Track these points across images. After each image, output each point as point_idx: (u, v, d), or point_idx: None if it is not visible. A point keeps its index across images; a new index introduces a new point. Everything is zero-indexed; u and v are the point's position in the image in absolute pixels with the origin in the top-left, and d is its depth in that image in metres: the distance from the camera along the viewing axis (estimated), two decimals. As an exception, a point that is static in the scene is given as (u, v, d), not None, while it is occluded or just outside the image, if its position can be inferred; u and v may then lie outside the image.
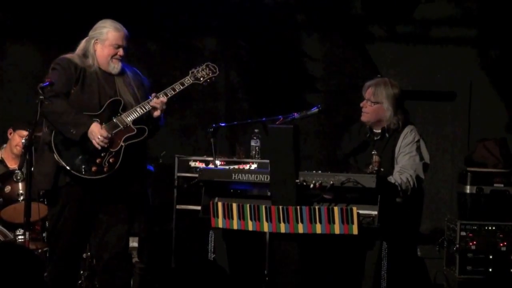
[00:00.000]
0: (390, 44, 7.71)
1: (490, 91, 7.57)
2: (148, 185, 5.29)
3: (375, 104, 5.37)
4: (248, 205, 4.90)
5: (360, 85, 5.68)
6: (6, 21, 7.59)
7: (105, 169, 4.83)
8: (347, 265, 5.01)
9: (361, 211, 4.73)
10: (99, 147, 4.81)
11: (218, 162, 6.20)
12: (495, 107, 7.55)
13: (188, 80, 5.09)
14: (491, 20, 7.50)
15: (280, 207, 4.80)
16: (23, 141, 5.88)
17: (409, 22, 7.69)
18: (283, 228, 4.81)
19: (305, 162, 6.74)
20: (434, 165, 5.46)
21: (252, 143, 6.59)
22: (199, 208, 5.18)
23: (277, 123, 5.30)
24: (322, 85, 7.79)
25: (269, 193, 4.99)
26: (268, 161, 5.07)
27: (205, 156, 6.63)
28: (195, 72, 5.13)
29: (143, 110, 4.95)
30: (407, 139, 5.32)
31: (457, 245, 6.06)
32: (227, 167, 6.22)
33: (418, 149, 5.31)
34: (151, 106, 4.96)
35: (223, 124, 6.21)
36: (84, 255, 5.77)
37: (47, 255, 5.42)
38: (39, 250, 5.79)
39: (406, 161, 5.25)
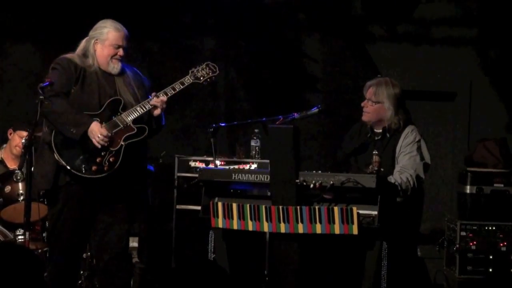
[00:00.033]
0: (390, 44, 7.71)
1: (490, 91, 7.57)
2: (148, 185, 5.29)
3: (376, 103, 5.37)
4: (248, 205, 4.90)
5: (360, 85, 5.68)
6: (6, 21, 7.59)
7: (105, 168, 4.83)
8: (347, 265, 5.01)
9: (361, 211, 4.73)
10: (99, 146, 4.82)
11: (218, 162, 6.20)
12: (495, 107, 7.55)
13: (188, 80, 5.09)
14: (491, 20, 7.51)
15: (280, 207, 4.80)
16: (23, 141, 5.88)
17: (409, 22, 7.69)
18: (283, 228, 4.81)
19: (305, 162, 6.75)
20: (434, 165, 5.46)
21: (252, 143, 6.59)
22: (199, 208, 5.18)
23: (277, 123, 5.30)
24: (322, 85, 7.79)
25: (269, 193, 4.99)
26: (268, 161, 5.08)
27: (205, 156, 6.63)
28: (195, 71, 5.14)
29: (143, 110, 4.95)
30: (408, 139, 5.31)
31: (457, 245, 6.07)
32: (227, 167, 6.22)
33: (419, 149, 5.30)
34: (151, 105, 4.96)
35: (223, 124, 6.21)
36: (84, 255, 5.77)
37: (47, 255, 5.42)
38: (39, 250, 5.78)
39: (407, 161, 5.24)
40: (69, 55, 5.00)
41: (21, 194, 5.87)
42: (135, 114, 4.93)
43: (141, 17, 7.45)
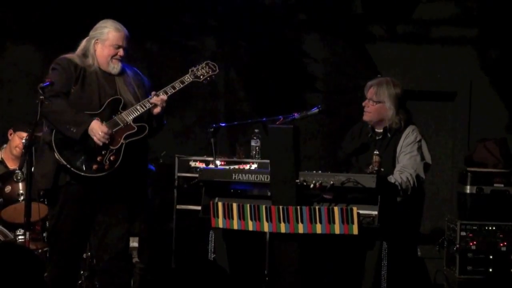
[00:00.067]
0: (390, 44, 7.71)
1: (490, 91, 7.57)
2: (148, 185, 5.29)
3: (377, 103, 5.37)
4: (248, 205, 4.90)
5: (360, 85, 5.68)
6: (6, 21, 7.59)
7: (106, 167, 4.83)
8: (347, 265, 5.01)
9: (361, 211, 4.73)
10: (101, 143, 4.82)
11: (218, 162, 6.20)
12: (495, 107, 7.55)
13: (188, 78, 5.10)
14: (491, 20, 7.51)
15: (280, 207, 4.80)
16: (23, 141, 5.88)
17: (409, 22, 7.69)
18: (283, 228, 4.81)
19: (305, 162, 6.75)
20: (434, 165, 5.46)
21: (252, 143, 6.59)
22: (199, 208, 5.18)
23: (277, 123, 5.30)
24: (322, 85, 7.79)
25: (269, 193, 4.99)
26: (268, 161, 5.08)
27: (205, 156, 6.63)
28: (194, 70, 5.14)
29: (143, 108, 4.95)
30: (409, 138, 5.31)
31: (457, 245, 6.07)
32: (227, 167, 6.22)
33: (419, 149, 5.30)
34: (151, 104, 4.96)
35: (223, 124, 6.21)
36: (84, 255, 5.77)
37: (47, 255, 5.42)
38: (39, 250, 5.78)
39: (407, 161, 5.24)
40: (69, 55, 5.00)
41: (21, 194, 5.87)
42: (135, 113, 4.93)
43: (141, 17, 7.45)
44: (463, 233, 6.08)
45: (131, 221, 5.10)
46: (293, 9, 7.78)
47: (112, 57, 5.00)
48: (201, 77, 5.14)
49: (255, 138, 6.58)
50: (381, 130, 5.40)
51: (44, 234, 5.97)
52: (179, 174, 6.65)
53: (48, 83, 4.84)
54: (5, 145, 6.48)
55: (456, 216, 6.31)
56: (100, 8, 6.94)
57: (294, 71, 7.77)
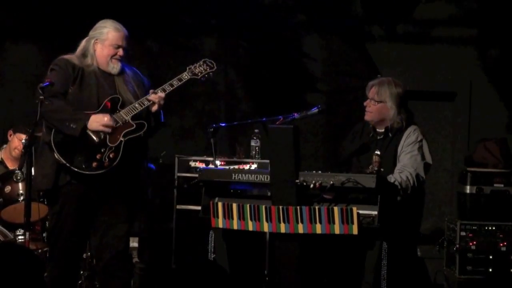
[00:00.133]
0: (390, 44, 7.71)
1: (490, 91, 7.57)
2: (148, 184, 5.30)
3: (379, 103, 5.37)
4: (248, 205, 4.90)
5: (360, 85, 5.68)
6: (6, 21, 7.59)
7: (105, 164, 4.83)
8: (347, 265, 5.01)
9: (361, 211, 4.73)
10: (108, 130, 4.81)
11: (218, 162, 6.20)
12: (495, 107, 7.55)
13: (185, 76, 5.11)
14: (491, 20, 7.51)
15: (280, 207, 4.80)
16: (23, 141, 5.88)
17: (409, 22, 7.69)
18: (283, 228, 4.81)
19: (305, 162, 6.74)
20: (434, 165, 5.46)
21: (252, 143, 6.59)
22: (199, 208, 5.18)
23: (277, 123, 5.30)
24: (322, 85, 7.79)
25: (269, 193, 4.99)
26: (268, 161, 5.07)
27: (205, 156, 6.63)
28: (192, 68, 5.15)
29: (141, 106, 4.96)
30: (410, 138, 5.31)
31: (457, 245, 6.07)
32: (227, 167, 6.22)
33: (420, 148, 5.30)
34: (149, 102, 4.96)
35: (223, 124, 6.21)
36: (84, 255, 5.77)
37: (47, 255, 5.42)
38: (39, 250, 5.79)
39: (407, 160, 5.24)
40: (67, 56, 5.02)
41: (21, 194, 5.87)
42: (134, 111, 4.94)
43: (141, 17, 7.45)
44: (463, 233, 6.08)
45: (131, 221, 5.10)
46: (293, 9, 7.78)
47: (112, 57, 5.01)
48: (199, 74, 5.15)
49: (255, 138, 6.58)
50: (383, 130, 5.40)
51: (44, 234, 5.97)
52: (179, 174, 6.65)
53: (47, 83, 4.85)
54: (5, 146, 6.49)
55: (456, 216, 6.31)
56: (100, 8, 6.94)
57: (294, 71, 7.77)
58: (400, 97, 5.36)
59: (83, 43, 5.06)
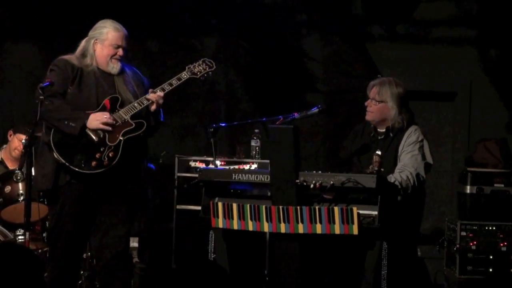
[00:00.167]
0: (390, 44, 7.71)
1: (490, 91, 7.57)
2: (148, 184, 5.30)
3: (380, 103, 5.36)
4: (248, 205, 4.90)
5: (360, 85, 5.67)
6: (6, 21, 7.59)
7: (104, 163, 4.83)
8: (347, 265, 5.01)
9: (361, 211, 4.73)
10: (109, 128, 4.81)
11: (218, 162, 6.20)
12: (495, 107, 7.55)
13: (185, 75, 5.11)
14: (491, 20, 7.50)
15: (280, 207, 4.80)
16: (23, 141, 5.88)
17: (409, 22, 7.69)
18: (283, 228, 4.81)
19: (305, 162, 6.75)
20: (434, 165, 5.45)
21: (252, 143, 6.59)
22: (199, 208, 5.18)
23: (277, 123, 5.30)
24: (322, 85, 7.78)
25: (269, 193, 4.99)
26: (268, 161, 5.07)
27: (205, 156, 6.63)
28: (191, 67, 5.16)
29: (140, 105, 4.96)
30: (411, 138, 5.31)
31: (457, 245, 6.07)
32: (227, 167, 6.22)
33: (421, 148, 5.30)
34: (148, 101, 4.97)
35: (223, 124, 6.21)
36: (84, 255, 5.77)
37: (47, 255, 5.42)
38: (39, 250, 5.78)
39: (408, 160, 5.24)
40: (66, 56, 5.03)
41: (21, 194, 5.87)
42: (133, 110, 4.94)
43: (142, 17, 7.45)
44: (463, 233, 6.08)
45: (131, 221, 5.10)
46: (293, 9, 7.78)
47: (112, 57, 5.01)
48: (198, 73, 5.16)
49: (255, 138, 6.58)
50: (384, 130, 5.40)
51: (44, 234, 5.97)
52: (179, 174, 6.65)
53: (48, 83, 4.86)
54: (5, 146, 6.49)
55: (456, 216, 6.32)
56: (100, 8, 6.94)
57: (294, 71, 7.77)
58: (401, 97, 5.36)
59: (82, 43, 5.06)
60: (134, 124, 4.94)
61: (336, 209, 4.73)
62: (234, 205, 4.93)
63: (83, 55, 5.02)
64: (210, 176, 5.12)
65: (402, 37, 7.70)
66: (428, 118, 7.61)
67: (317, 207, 4.76)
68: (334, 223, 4.72)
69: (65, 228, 4.95)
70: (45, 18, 7.51)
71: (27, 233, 4.99)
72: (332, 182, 4.74)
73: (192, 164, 6.63)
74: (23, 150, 5.74)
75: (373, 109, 5.39)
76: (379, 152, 4.94)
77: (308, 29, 7.78)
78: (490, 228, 6.08)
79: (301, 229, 4.77)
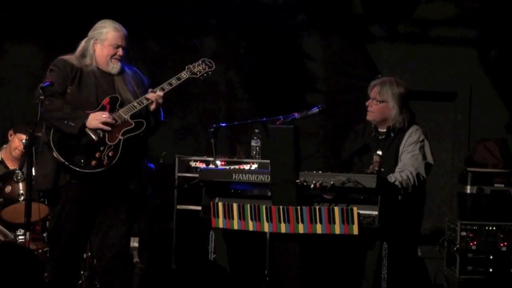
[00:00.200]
0: (390, 44, 7.71)
1: (490, 91, 7.57)
2: (148, 184, 5.30)
3: (381, 103, 5.36)
4: (248, 205, 4.89)
5: (360, 85, 5.68)
6: (6, 21, 7.59)
7: (104, 163, 4.84)
8: (347, 265, 5.00)
9: (361, 211, 4.73)
10: (109, 128, 4.82)
11: (218, 162, 6.20)
12: (495, 107, 7.55)
13: (184, 75, 5.12)
14: (491, 20, 7.50)
15: (281, 207, 4.80)
16: (24, 141, 5.88)
17: (409, 22, 7.69)
18: (283, 228, 4.81)
19: (305, 162, 6.75)
20: (435, 165, 5.45)
21: (253, 143, 6.58)
22: (199, 208, 5.17)
23: (277, 123, 5.30)
24: (322, 85, 7.79)
25: (269, 193, 4.99)
26: (268, 161, 5.07)
27: (205, 156, 6.63)
28: (191, 67, 5.17)
29: (140, 105, 4.97)
30: (412, 138, 5.31)
31: (458, 245, 6.07)
32: (227, 167, 6.22)
33: (422, 148, 5.30)
34: (147, 100, 4.97)
35: (223, 124, 6.21)
36: (84, 255, 5.77)
37: (48, 255, 5.42)
38: (39, 250, 5.78)
39: (408, 159, 5.24)
40: (66, 56, 5.04)
41: (22, 194, 5.87)
42: (133, 110, 4.95)
43: (142, 17, 7.45)
44: (464, 233, 6.07)
45: (131, 221, 5.10)
46: (293, 9, 7.78)
47: (112, 56, 5.02)
48: (198, 73, 5.16)
49: (255, 138, 6.58)
50: (385, 130, 5.40)
51: (44, 234, 5.97)
52: (179, 174, 6.65)
53: (48, 83, 4.86)
54: (5, 146, 6.48)
55: (456, 216, 6.31)
56: (100, 8, 6.94)
57: (294, 71, 7.77)
58: (402, 97, 5.36)
59: (82, 43, 5.07)
60: (133, 124, 4.94)
61: (336, 209, 4.73)
62: (235, 205, 4.93)
63: (83, 55, 5.03)
64: (210, 176, 5.12)
65: (402, 37, 7.70)
66: (428, 118, 7.60)
67: (317, 207, 4.76)
68: (334, 223, 4.72)
69: (65, 228, 4.96)
70: (45, 18, 7.51)
71: (27, 233, 4.99)
72: (332, 182, 4.74)
73: (192, 164, 6.63)
74: (23, 150, 5.75)
75: (374, 109, 5.39)
76: (379, 152, 4.94)
77: (308, 29, 7.78)
78: (490, 228, 6.08)
79: (301, 229, 4.77)
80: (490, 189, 6.17)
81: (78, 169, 4.82)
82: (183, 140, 7.73)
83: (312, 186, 4.75)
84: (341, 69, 7.75)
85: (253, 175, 4.98)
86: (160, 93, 4.99)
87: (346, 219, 4.70)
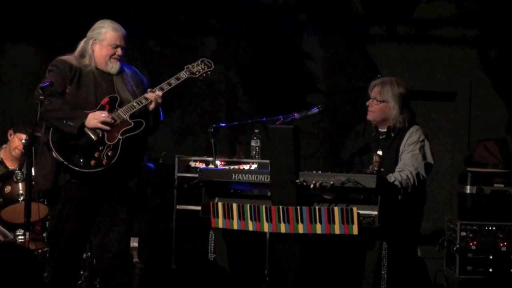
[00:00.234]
0: (390, 44, 7.71)
1: (490, 91, 7.57)
2: (148, 183, 5.30)
3: (381, 102, 5.36)
4: (248, 205, 4.89)
5: (360, 85, 5.68)
6: (6, 21, 7.59)
7: (103, 162, 4.84)
8: (347, 265, 5.00)
9: (361, 211, 4.72)
10: (108, 127, 4.82)
11: (218, 162, 6.19)
12: (495, 107, 7.55)
13: (183, 75, 5.12)
14: (491, 20, 7.50)
15: (280, 207, 4.80)
16: (23, 141, 5.88)
17: (409, 22, 7.69)
18: (283, 228, 4.81)
19: (305, 162, 6.75)
20: (434, 165, 5.46)
21: (252, 143, 6.58)
22: (199, 208, 5.17)
23: (277, 123, 5.29)
24: (322, 85, 7.79)
25: (269, 193, 4.99)
26: (268, 161, 5.07)
27: (205, 156, 6.63)
28: (190, 67, 5.17)
29: (139, 105, 4.97)
30: (412, 138, 5.31)
31: (457, 245, 6.06)
32: (227, 167, 6.22)
33: (422, 148, 5.30)
34: (146, 100, 4.97)
35: (223, 124, 6.21)
36: (84, 255, 5.77)
37: (47, 255, 5.42)
38: (39, 250, 5.78)
39: (408, 159, 5.24)
40: (65, 57, 5.04)
41: (21, 194, 5.87)
42: (132, 110, 4.95)
43: (142, 17, 7.45)
44: (463, 233, 6.07)
45: (131, 221, 5.10)
46: (293, 9, 7.78)
47: (111, 56, 5.02)
48: (197, 73, 5.16)
49: (255, 138, 6.58)
50: (385, 130, 5.39)
51: (44, 234, 5.97)
52: (179, 174, 6.65)
53: (48, 83, 4.86)
54: (4, 145, 6.48)
55: (456, 216, 6.31)
56: (100, 8, 6.94)
57: (294, 71, 7.77)
58: (402, 97, 5.36)
59: (81, 44, 5.07)
60: (133, 123, 4.94)
61: (336, 209, 4.73)
62: (234, 205, 4.93)
63: (82, 55, 5.03)
64: (210, 176, 5.12)
65: (402, 37, 7.70)
66: (428, 118, 7.60)
67: (317, 207, 4.76)
68: (334, 223, 4.72)
69: (65, 228, 4.96)
70: (44, 18, 7.52)
71: (27, 233, 4.98)
72: (332, 182, 4.74)
73: (192, 164, 6.63)
74: (23, 150, 5.75)
75: (375, 108, 5.38)
76: (380, 152, 4.94)
77: (308, 29, 7.78)
78: (490, 228, 6.08)
79: (301, 229, 4.77)
80: (490, 189, 6.17)
81: (77, 168, 4.82)
82: (183, 140, 7.73)
83: (312, 186, 4.75)
84: (341, 69, 7.75)
85: (253, 175, 4.97)
86: (159, 93, 4.99)
87: (346, 219, 4.69)
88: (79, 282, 5.78)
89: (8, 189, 5.95)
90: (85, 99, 4.94)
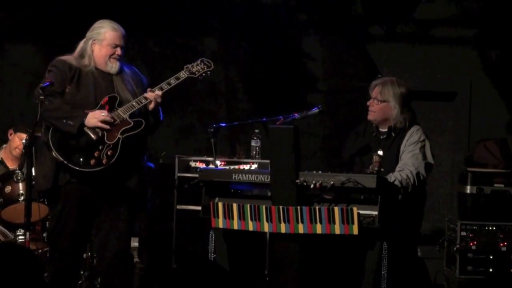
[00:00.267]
0: (390, 44, 7.71)
1: (490, 91, 7.57)
2: (148, 183, 5.30)
3: (382, 102, 5.36)
4: (248, 205, 4.89)
5: (360, 85, 5.67)
6: (6, 21, 7.59)
7: (103, 161, 4.84)
8: (347, 265, 5.00)
9: (361, 211, 4.72)
10: (107, 126, 4.83)
11: (218, 162, 6.20)
12: (495, 107, 7.55)
13: (183, 75, 5.12)
14: (491, 20, 7.50)
15: (281, 207, 4.80)
16: (24, 141, 5.88)
17: (409, 22, 7.69)
18: (283, 228, 4.81)
19: (305, 162, 6.75)
20: (435, 165, 5.46)
21: (253, 143, 6.58)
22: (199, 208, 5.17)
23: (277, 123, 5.30)
24: (322, 85, 7.79)
25: (269, 193, 4.99)
26: (268, 161, 5.07)
27: (205, 156, 6.63)
28: (190, 67, 5.18)
29: (139, 104, 4.97)
30: (412, 138, 5.31)
31: (458, 245, 6.06)
32: (227, 167, 6.22)
33: (422, 148, 5.30)
34: (146, 99, 4.98)
35: (223, 124, 6.21)
36: (84, 255, 5.77)
37: (47, 255, 5.42)
38: (39, 250, 5.78)
39: (409, 159, 5.24)
40: (64, 57, 5.05)
41: (22, 194, 5.87)
42: (131, 109, 4.96)
43: (142, 17, 7.45)
44: (463, 233, 6.07)
45: (131, 220, 5.11)
46: (293, 9, 7.78)
47: (110, 56, 5.02)
48: (197, 73, 5.17)
49: (255, 138, 6.58)
50: (386, 130, 5.39)
51: (44, 234, 5.97)
52: (179, 174, 6.65)
53: (48, 83, 4.87)
54: (4, 145, 6.48)
55: (456, 216, 6.31)
56: (99, 8, 6.94)
57: (294, 71, 7.77)
58: (403, 97, 5.36)
59: (81, 44, 5.08)
60: (132, 123, 4.95)
61: (336, 209, 4.73)
62: (234, 205, 4.93)
63: (81, 55, 5.04)
64: (210, 176, 5.12)
65: (402, 37, 7.70)
66: (428, 118, 7.60)
67: (317, 207, 4.76)
68: (334, 223, 4.72)
69: (66, 228, 4.96)
70: (44, 18, 7.51)
71: (27, 233, 4.99)
72: (332, 182, 4.74)
73: (192, 164, 6.63)
74: (23, 150, 5.75)
75: (375, 108, 5.38)
76: (380, 152, 4.94)
77: (308, 29, 7.78)
78: (490, 228, 6.08)
79: (301, 229, 4.77)
80: (490, 189, 6.17)
81: (77, 168, 4.83)
82: (183, 140, 7.72)
83: (312, 186, 4.75)
84: (341, 69, 7.75)
85: (253, 175, 4.97)
86: (159, 93, 5.00)
87: (346, 219, 4.70)
88: (80, 282, 5.78)
89: (8, 189, 5.95)
90: (85, 99, 4.94)
